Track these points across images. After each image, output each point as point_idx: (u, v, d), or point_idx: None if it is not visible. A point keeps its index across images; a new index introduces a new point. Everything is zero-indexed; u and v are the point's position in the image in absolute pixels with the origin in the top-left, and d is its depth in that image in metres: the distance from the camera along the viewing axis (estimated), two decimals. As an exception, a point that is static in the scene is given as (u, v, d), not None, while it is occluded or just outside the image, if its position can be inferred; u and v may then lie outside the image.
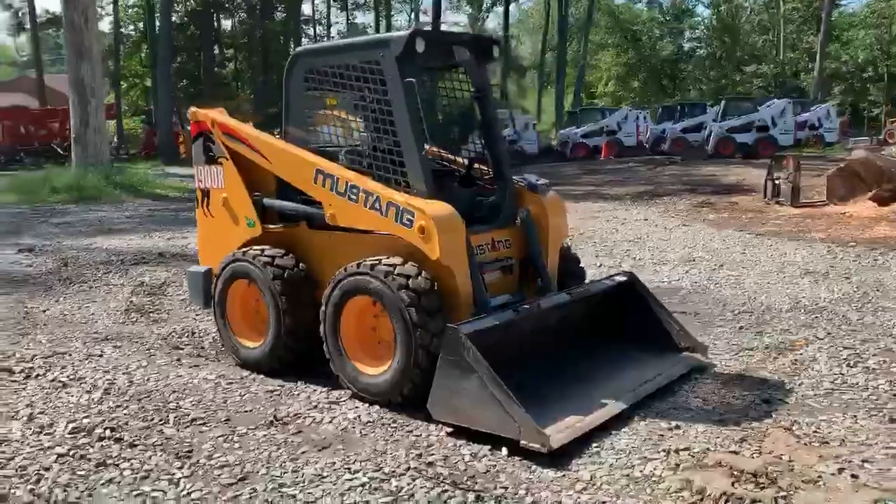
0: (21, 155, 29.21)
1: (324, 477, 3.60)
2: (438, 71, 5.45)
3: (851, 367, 4.94)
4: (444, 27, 47.30)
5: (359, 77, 4.80)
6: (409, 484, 3.50)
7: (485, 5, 68.73)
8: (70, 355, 5.43)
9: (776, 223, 11.81)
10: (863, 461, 3.57)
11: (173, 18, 48.38)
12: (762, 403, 4.38)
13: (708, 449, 3.77)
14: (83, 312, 6.71)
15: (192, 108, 5.58)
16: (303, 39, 53.56)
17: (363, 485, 3.50)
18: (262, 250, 5.02)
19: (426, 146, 5.77)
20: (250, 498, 3.41)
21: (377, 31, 53.22)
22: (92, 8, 15.75)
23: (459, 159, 5.58)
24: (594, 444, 3.87)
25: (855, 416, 4.17)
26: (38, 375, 5.01)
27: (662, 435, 3.99)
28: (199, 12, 44.86)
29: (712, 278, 7.76)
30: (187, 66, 47.86)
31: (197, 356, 5.48)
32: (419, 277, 4.30)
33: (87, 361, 5.30)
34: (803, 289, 7.16)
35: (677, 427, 4.08)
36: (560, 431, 3.86)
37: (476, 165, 5.42)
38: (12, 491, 3.46)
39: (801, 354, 5.24)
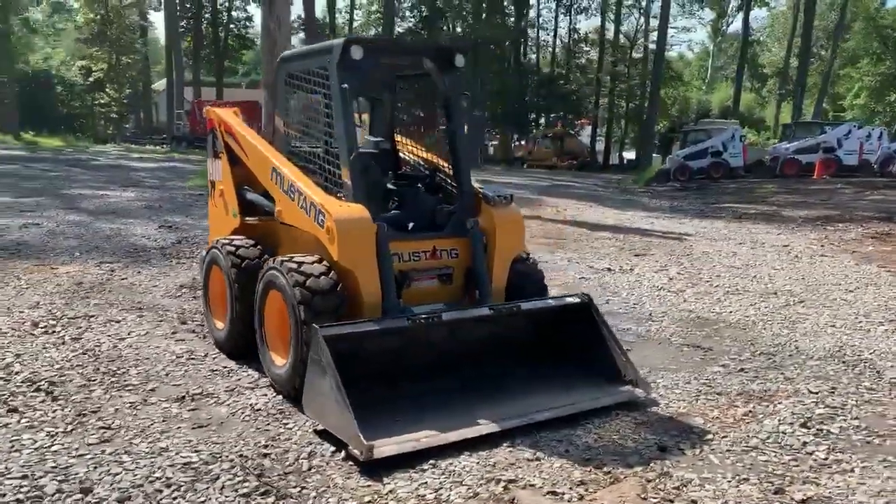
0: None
1: (166, 451, 3.88)
2: (409, 78, 5.52)
3: (805, 427, 4.30)
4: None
5: (317, 82, 5.03)
6: (223, 469, 3.68)
7: (729, 9, 65.26)
8: (95, 318, 6.22)
9: (939, 262, 10.18)
10: (675, 526, 3.18)
11: (410, 24, 51.70)
12: (656, 450, 3.99)
13: (531, 485, 3.55)
14: (149, 284, 7.58)
15: (207, 107, 6.13)
16: (529, 44, 54.78)
17: (186, 463, 3.74)
18: (231, 240, 5.41)
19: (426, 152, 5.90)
20: (92, 457, 3.77)
21: (602, 35, 52.72)
22: (285, 15, 17.29)
23: (443, 164, 5.60)
24: (431, 461, 3.79)
25: (746, 479, 3.68)
26: (52, 332, 5.81)
27: (513, 464, 3.81)
28: (430, 17, 47.19)
29: (772, 315, 6.97)
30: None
31: (191, 332, 6.01)
32: (320, 277, 4.44)
33: (102, 325, 6.04)
34: (865, 338, 6.23)
35: (536, 459, 3.86)
36: (398, 443, 3.83)
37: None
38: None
39: (767, 407, 4.63)
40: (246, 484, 3.54)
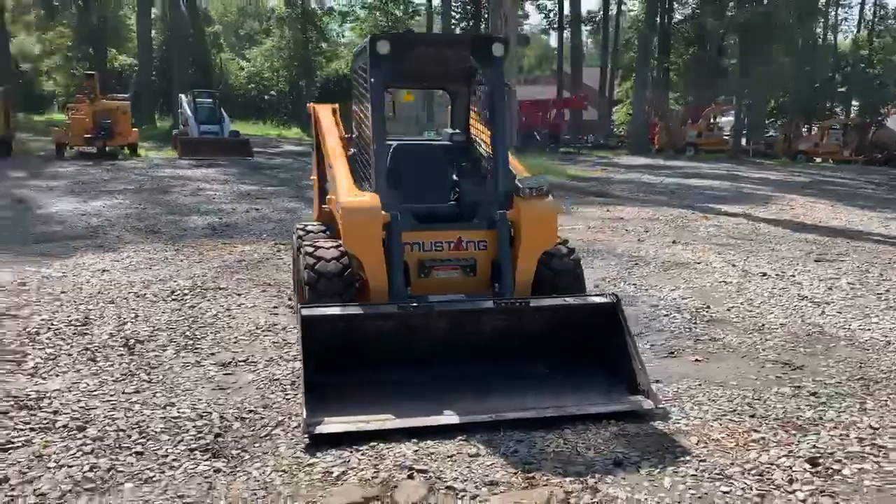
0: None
1: (172, 405, 4.43)
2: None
3: (811, 463, 3.65)
4: None
5: (362, 76, 5.30)
6: (195, 426, 4.12)
7: None
8: (225, 290, 7.09)
9: None
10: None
11: (688, 10, 49.41)
12: (610, 465, 3.68)
13: (439, 478, 3.52)
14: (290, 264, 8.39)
15: (309, 103, 6.67)
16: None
17: (174, 417, 4.24)
18: (306, 225, 5.91)
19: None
20: (114, 403, 4.43)
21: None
22: (510, 10, 17.75)
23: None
24: (372, 444, 3.88)
25: (679, 507, 3.28)
26: (180, 300, 6.75)
27: (451, 456, 3.78)
28: (703, 2, 44.59)
29: (919, 336, 5.84)
30: (698, 56, 48.19)
31: (290, 307, 6.60)
32: (330, 261, 4.72)
33: (224, 297, 6.88)
34: None
35: (476, 455, 3.79)
36: (344, 423, 3.99)
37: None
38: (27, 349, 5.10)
39: (792, 437, 4.00)
40: (200, 441, 3.95)
